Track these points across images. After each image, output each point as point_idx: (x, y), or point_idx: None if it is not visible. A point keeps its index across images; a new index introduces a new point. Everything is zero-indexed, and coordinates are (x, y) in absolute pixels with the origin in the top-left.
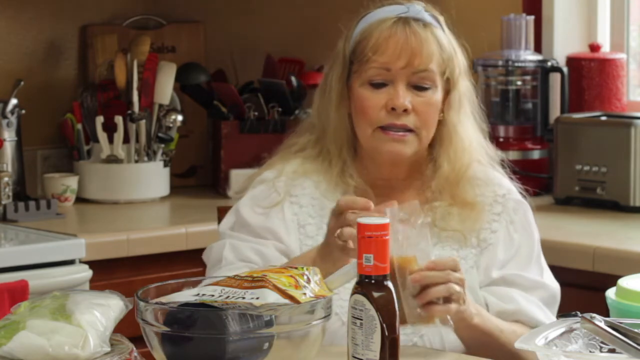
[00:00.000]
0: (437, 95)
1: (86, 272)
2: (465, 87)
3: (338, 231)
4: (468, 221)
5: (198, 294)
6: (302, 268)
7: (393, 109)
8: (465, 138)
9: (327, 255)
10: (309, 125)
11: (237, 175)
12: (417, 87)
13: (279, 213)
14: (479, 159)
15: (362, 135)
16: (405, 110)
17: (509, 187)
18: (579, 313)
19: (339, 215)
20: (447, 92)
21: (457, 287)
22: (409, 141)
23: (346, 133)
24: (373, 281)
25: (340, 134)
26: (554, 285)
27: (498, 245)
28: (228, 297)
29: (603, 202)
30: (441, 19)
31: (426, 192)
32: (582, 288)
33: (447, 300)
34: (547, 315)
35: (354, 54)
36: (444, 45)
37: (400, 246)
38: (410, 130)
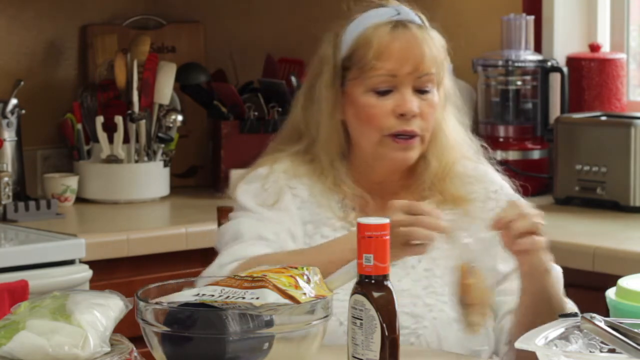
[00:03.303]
0: (436, 96)
1: (86, 272)
2: (448, 84)
3: (404, 229)
4: (462, 218)
5: (198, 294)
6: (302, 268)
7: (402, 114)
8: (449, 134)
9: None
10: (293, 131)
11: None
12: (420, 91)
13: (282, 206)
14: (465, 154)
15: (367, 143)
16: (414, 115)
17: (501, 183)
18: (579, 313)
19: (410, 213)
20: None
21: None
22: (415, 147)
23: (339, 140)
24: (373, 281)
25: (333, 142)
26: (557, 267)
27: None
28: (228, 297)
29: (603, 202)
30: (424, 17)
31: (418, 191)
32: (582, 288)
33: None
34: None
35: (350, 60)
36: (438, 46)
37: (468, 254)
38: (415, 135)
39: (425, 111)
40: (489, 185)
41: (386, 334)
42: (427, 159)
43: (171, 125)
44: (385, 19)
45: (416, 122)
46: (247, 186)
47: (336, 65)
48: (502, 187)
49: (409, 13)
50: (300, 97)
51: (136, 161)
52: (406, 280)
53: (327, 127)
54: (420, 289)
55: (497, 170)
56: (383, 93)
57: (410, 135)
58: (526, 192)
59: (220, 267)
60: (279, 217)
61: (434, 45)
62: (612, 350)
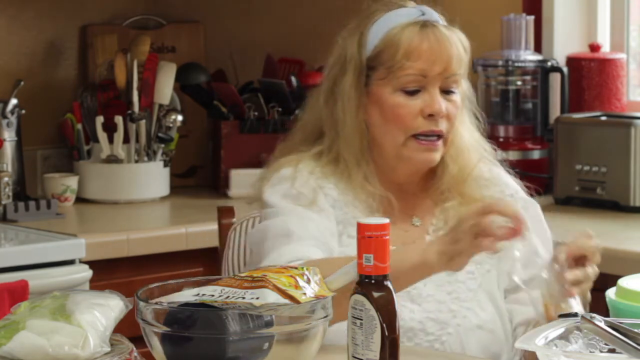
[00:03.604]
0: (459, 97)
1: (86, 272)
2: (465, 85)
3: (478, 222)
4: None
5: (198, 294)
6: (302, 268)
7: (431, 115)
8: (465, 136)
9: (452, 243)
10: (313, 130)
11: (237, 175)
12: (446, 91)
13: (320, 205)
14: (482, 156)
15: (392, 143)
16: (441, 116)
17: (515, 187)
18: (579, 313)
19: (489, 212)
20: None
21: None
22: (439, 148)
23: (364, 140)
24: (373, 281)
25: (359, 142)
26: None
27: (514, 247)
28: (228, 297)
29: (603, 202)
30: (445, 17)
31: (437, 193)
32: None
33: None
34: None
35: (377, 60)
36: (465, 46)
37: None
38: (441, 136)
39: (451, 112)
40: (505, 188)
41: (386, 334)
42: (445, 161)
43: (171, 125)
44: (412, 19)
45: (443, 122)
46: (275, 187)
47: (361, 65)
48: (517, 191)
49: (433, 13)
50: (321, 96)
51: (136, 161)
52: (430, 285)
53: (352, 127)
54: (445, 294)
55: (510, 173)
56: (411, 93)
57: (437, 136)
58: (528, 190)
59: None
60: (319, 217)
61: (461, 45)
62: (612, 350)
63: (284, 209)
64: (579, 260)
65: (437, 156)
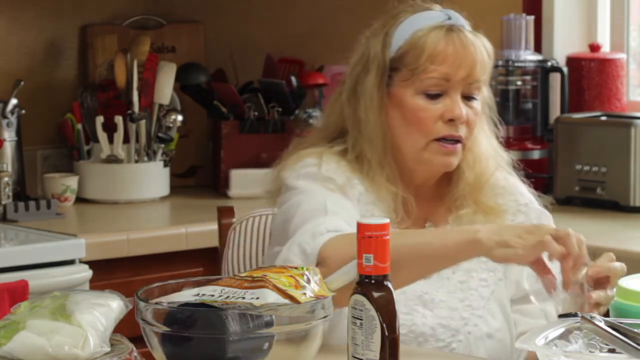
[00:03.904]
0: (480, 104)
1: (86, 272)
2: (486, 92)
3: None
4: None
5: (198, 294)
6: (302, 268)
7: (451, 120)
8: (483, 143)
9: (517, 235)
10: (335, 128)
11: (237, 175)
12: (468, 97)
13: (349, 194)
14: (499, 165)
15: (412, 146)
16: (461, 122)
17: (529, 197)
18: (579, 313)
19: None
20: None
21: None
22: (458, 152)
23: (387, 141)
24: (373, 281)
25: (382, 142)
26: None
27: None
28: (228, 297)
29: (603, 202)
30: (470, 23)
31: (451, 200)
32: None
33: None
34: None
35: (400, 61)
36: (490, 53)
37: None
38: (460, 141)
39: (471, 118)
40: (519, 197)
41: (386, 334)
42: (461, 168)
43: (171, 125)
44: (438, 22)
45: (462, 128)
46: (300, 172)
47: (384, 65)
48: (532, 201)
49: (460, 18)
50: (344, 94)
51: (136, 161)
52: (442, 291)
53: (375, 127)
54: (457, 301)
55: (524, 182)
56: (433, 97)
57: (455, 141)
58: (540, 199)
59: (313, 236)
60: (347, 204)
61: (486, 52)
62: (612, 350)
63: (313, 190)
64: (599, 281)
65: (455, 161)
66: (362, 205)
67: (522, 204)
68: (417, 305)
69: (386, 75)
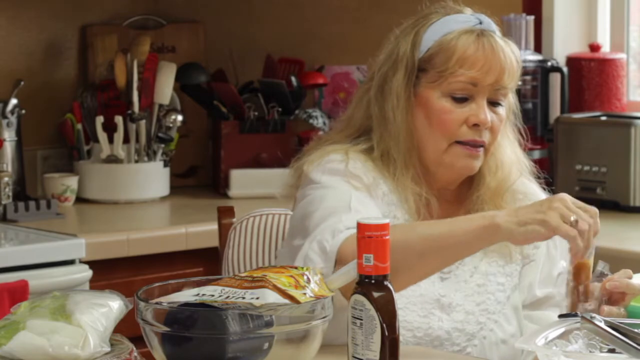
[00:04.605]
0: (505, 111)
1: (86, 272)
2: (512, 99)
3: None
4: None
5: (198, 294)
6: (302, 268)
7: (476, 125)
8: (507, 150)
9: (533, 212)
10: (360, 126)
11: (237, 175)
12: (494, 103)
13: (373, 194)
14: (521, 172)
15: (434, 148)
16: (485, 127)
17: None
18: (579, 313)
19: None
20: None
21: None
22: (480, 156)
23: (413, 141)
24: (373, 281)
25: (409, 142)
26: None
27: (539, 262)
28: (228, 297)
29: (603, 202)
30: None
31: (471, 205)
32: None
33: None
34: None
35: (429, 62)
36: (519, 60)
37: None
38: (483, 146)
39: (495, 124)
40: None
41: (386, 334)
42: (482, 172)
43: (171, 125)
44: (469, 26)
45: (486, 133)
46: (325, 167)
47: (413, 65)
48: None
49: (491, 23)
50: (371, 91)
51: (136, 161)
52: (459, 295)
53: (400, 126)
54: (474, 305)
55: (544, 189)
56: (459, 100)
57: (479, 145)
58: None
59: (333, 234)
60: (372, 203)
61: (515, 59)
62: (612, 350)
63: (338, 185)
64: (614, 296)
65: (477, 164)
66: (384, 206)
67: None
68: (434, 308)
69: (414, 75)
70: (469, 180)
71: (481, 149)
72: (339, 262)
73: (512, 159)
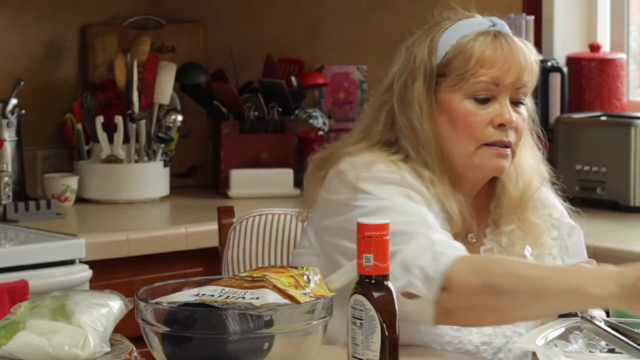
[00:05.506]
0: (527, 111)
1: (86, 272)
2: (530, 105)
3: None
4: (531, 245)
5: (198, 294)
6: (302, 268)
7: (501, 125)
8: (527, 157)
9: (630, 296)
10: (383, 134)
11: (237, 175)
12: (515, 103)
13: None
14: (543, 180)
15: (462, 152)
16: (511, 127)
17: (562, 210)
18: (579, 313)
19: None
20: None
21: None
22: (509, 157)
23: (440, 148)
24: (373, 281)
25: (440, 149)
26: None
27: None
28: (228, 297)
29: (603, 202)
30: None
31: (493, 214)
32: None
33: None
34: None
35: (447, 67)
36: (536, 59)
37: None
38: (510, 146)
39: (519, 124)
40: (553, 211)
41: (386, 334)
42: (502, 181)
43: (171, 125)
44: (483, 28)
45: (512, 134)
46: (376, 176)
47: (432, 71)
48: (564, 215)
49: (504, 25)
50: (391, 104)
51: (136, 161)
52: None
53: (428, 134)
54: None
55: (559, 195)
56: (482, 101)
57: (506, 146)
58: (576, 214)
59: (435, 259)
60: (431, 214)
61: (533, 58)
62: (612, 350)
63: (397, 197)
64: None
65: (507, 164)
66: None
67: (555, 218)
68: None
69: (433, 82)
70: (489, 190)
71: (509, 150)
72: (446, 289)
73: (532, 166)
